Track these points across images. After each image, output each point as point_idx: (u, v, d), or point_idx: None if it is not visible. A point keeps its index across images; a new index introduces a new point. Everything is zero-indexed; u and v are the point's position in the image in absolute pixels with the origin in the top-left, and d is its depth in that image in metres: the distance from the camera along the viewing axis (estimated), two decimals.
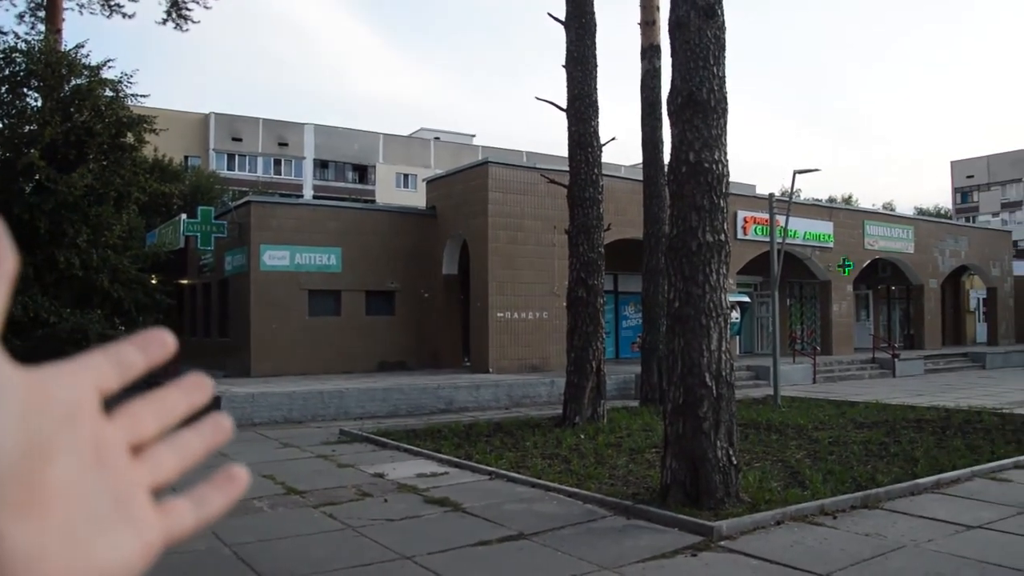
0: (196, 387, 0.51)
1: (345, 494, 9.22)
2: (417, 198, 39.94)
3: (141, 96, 21.37)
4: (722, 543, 7.15)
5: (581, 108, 14.53)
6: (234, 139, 54.66)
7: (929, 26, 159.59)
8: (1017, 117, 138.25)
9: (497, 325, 21.47)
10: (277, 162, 56.32)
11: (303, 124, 57.25)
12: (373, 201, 52.22)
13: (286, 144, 56.26)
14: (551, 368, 21.25)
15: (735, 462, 8.23)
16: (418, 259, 23.92)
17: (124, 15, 27.16)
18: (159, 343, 0.49)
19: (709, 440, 8.08)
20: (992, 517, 7.85)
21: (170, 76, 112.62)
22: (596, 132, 14.59)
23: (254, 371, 20.81)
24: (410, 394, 17.18)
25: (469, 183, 22.84)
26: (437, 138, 61.98)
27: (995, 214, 77.45)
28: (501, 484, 9.76)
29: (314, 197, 50.93)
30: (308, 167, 57.17)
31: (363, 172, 59.02)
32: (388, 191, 56.77)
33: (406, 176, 58.66)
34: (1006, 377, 25.87)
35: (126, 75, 20.61)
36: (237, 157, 54.85)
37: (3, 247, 0.40)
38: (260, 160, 55.67)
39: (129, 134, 20.41)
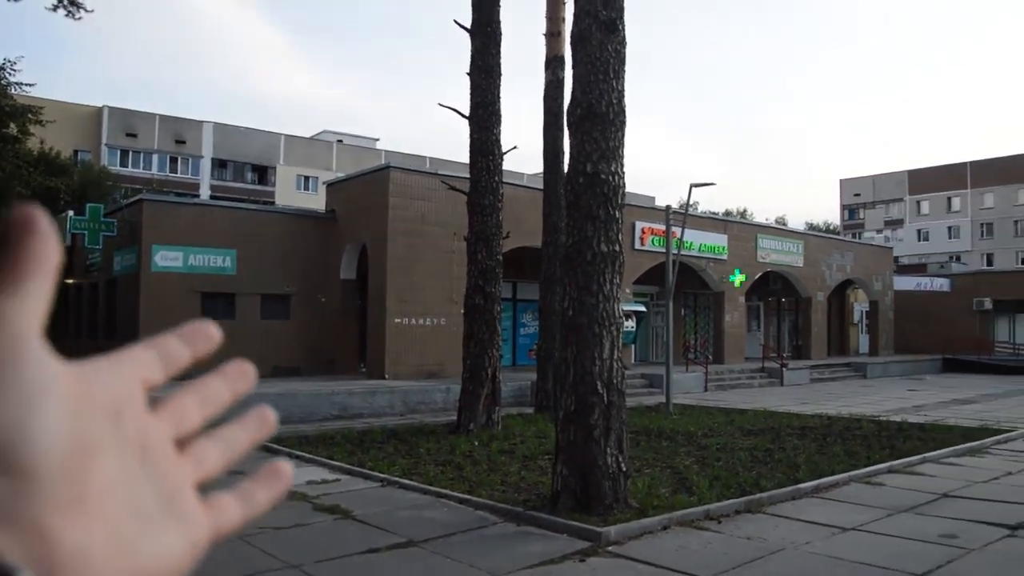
0: (239, 375, 0.50)
1: None
2: (319, 201, 39.35)
3: (26, 85, 20.54)
4: (610, 548, 7.26)
5: (484, 116, 14.58)
6: (128, 135, 52.83)
7: (847, 45, 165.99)
8: (904, 137, 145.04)
9: (394, 331, 21.32)
10: (173, 160, 54.66)
11: (201, 122, 55.76)
12: (273, 203, 51.22)
13: (183, 142, 54.69)
14: (448, 375, 21.20)
15: (624, 469, 8.37)
16: (316, 263, 23.58)
17: None
18: (204, 335, 0.48)
19: (599, 447, 8.20)
20: (866, 519, 8.19)
21: (61, 66, 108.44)
22: (498, 140, 14.66)
23: None
24: (303, 400, 16.89)
25: (369, 187, 22.65)
26: (340, 141, 61.17)
27: (879, 231, 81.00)
28: (393, 491, 9.69)
29: (212, 197, 49.59)
30: (206, 166, 55.69)
31: (263, 173, 57.83)
32: (288, 193, 55.74)
33: (307, 179, 57.71)
34: (885, 386, 27.04)
35: (9, 62, 19.84)
36: (131, 153, 53.02)
37: (48, 240, 0.39)
38: (156, 157, 53.94)
39: (12, 124, 19.58)
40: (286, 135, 58.81)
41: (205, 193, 53.12)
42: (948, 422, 16.14)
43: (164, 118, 54.27)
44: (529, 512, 8.22)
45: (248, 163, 57.28)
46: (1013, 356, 37.16)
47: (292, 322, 23.34)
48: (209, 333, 0.48)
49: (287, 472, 0.50)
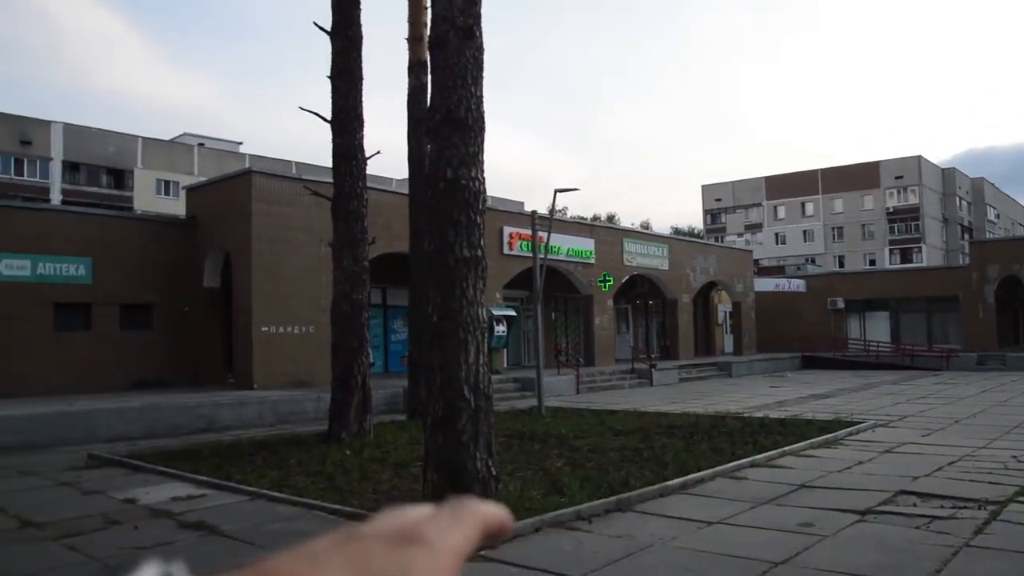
0: None
1: (91, 523, 8.56)
2: (180, 206, 37.97)
3: None
4: (482, 552, 7.23)
5: (346, 120, 14.40)
6: None
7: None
8: (762, 145, 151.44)
9: (261, 340, 20.76)
10: (19, 162, 51.43)
11: (50, 122, 52.78)
12: (131, 208, 49.08)
13: (29, 142, 51.54)
14: (319, 383, 20.78)
15: (494, 473, 8.40)
16: (178, 271, 22.75)
17: None
18: None
19: (468, 452, 8.20)
20: (730, 512, 8.48)
21: None
22: (361, 145, 14.52)
23: None
24: (168, 413, 16.25)
25: (231, 193, 22.01)
26: (202, 144, 59.15)
27: (740, 234, 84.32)
28: (262, 504, 9.42)
29: (63, 202, 47.06)
30: (56, 169, 52.69)
31: (119, 177, 55.16)
32: (148, 198, 53.50)
33: (167, 183, 55.51)
34: (749, 384, 28.12)
35: None
36: None
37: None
38: None
39: None
40: (144, 137, 56.33)
41: (56, 197, 50.31)
42: (806, 416, 16.90)
43: (6, 116, 50.96)
44: None
45: (103, 166, 54.54)
46: (864, 352, 39.27)
47: (154, 332, 22.45)
48: None
49: None
